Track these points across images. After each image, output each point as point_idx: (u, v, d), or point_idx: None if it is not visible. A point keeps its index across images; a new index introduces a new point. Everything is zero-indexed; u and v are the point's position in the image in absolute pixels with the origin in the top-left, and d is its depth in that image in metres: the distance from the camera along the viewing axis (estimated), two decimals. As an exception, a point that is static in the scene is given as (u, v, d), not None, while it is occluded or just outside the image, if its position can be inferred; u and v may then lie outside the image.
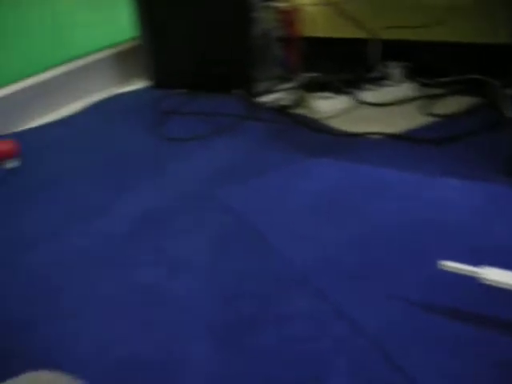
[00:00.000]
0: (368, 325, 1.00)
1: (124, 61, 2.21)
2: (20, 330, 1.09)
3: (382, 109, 1.77)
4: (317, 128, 1.65)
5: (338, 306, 1.04)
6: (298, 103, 1.80)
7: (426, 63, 1.87)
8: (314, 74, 1.95)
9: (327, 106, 1.76)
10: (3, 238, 1.38)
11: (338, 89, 1.80)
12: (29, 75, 2.01)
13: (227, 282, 1.13)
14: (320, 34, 1.95)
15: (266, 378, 0.94)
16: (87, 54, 2.16)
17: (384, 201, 1.31)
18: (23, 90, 1.98)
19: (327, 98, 1.79)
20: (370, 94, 1.80)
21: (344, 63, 1.90)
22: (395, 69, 1.83)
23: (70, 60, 2.11)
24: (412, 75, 1.85)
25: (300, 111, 1.77)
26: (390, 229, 1.22)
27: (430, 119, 1.68)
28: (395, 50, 1.87)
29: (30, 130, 1.94)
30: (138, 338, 1.04)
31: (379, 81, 1.83)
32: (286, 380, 0.92)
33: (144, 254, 1.25)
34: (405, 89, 1.81)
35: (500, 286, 0.97)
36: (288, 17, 1.91)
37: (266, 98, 1.87)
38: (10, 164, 1.70)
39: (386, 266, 1.13)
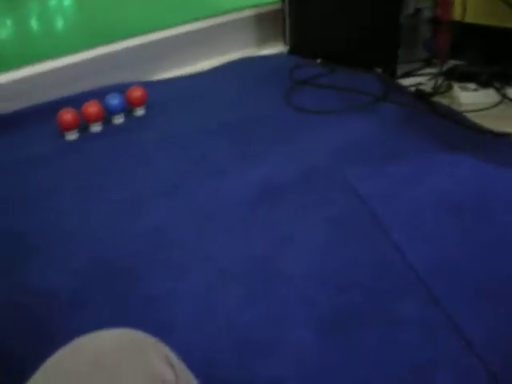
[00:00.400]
0: (479, 342, 0.91)
1: (263, 23, 2.15)
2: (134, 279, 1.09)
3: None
4: (457, 120, 1.53)
5: (452, 317, 0.96)
6: (440, 91, 1.69)
7: None
8: (461, 62, 1.82)
9: (470, 98, 1.64)
10: (122, 186, 1.38)
11: (484, 81, 1.67)
12: (168, 26, 2.00)
13: (339, 269, 1.08)
14: (471, 19, 1.81)
15: (365, 380, 0.88)
16: (228, 11, 2.12)
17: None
18: (159, 41, 1.98)
19: (472, 89, 1.66)
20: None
21: (493, 54, 1.76)
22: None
23: (210, 16, 2.08)
24: None
25: (441, 100, 1.66)
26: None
27: None
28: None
29: (161, 81, 1.93)
30: (239, 309, 1.00)
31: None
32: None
33: (257, 225, 1.20)
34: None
35: None
36: (443, -2, 1.79)
37: (407, 81, 1.77)
38: (139, 112, 1.70)
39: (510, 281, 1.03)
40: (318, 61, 1.94)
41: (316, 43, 1.96)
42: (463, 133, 1.48)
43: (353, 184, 1.29)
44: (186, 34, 2.02)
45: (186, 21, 2.04)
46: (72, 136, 1.59)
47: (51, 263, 1.15)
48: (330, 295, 1.01)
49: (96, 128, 1.63)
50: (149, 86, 1.76)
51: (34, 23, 2.28)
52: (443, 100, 1.66)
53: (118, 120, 1.67)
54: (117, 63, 1.88)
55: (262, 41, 2.15)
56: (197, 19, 2.06)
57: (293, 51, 2.03)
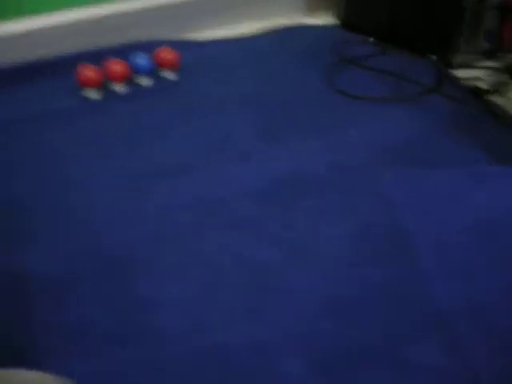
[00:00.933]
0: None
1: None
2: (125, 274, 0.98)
3: None
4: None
5: (472, 369, 0.83)
6: (498, 89, 1.52)
7: None
8: (528, 59, 1.65)
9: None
10: (137, 159, 1.27)
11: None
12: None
13: (353, 296, 0.95)
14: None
15: None
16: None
17: None
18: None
19: (535, 91, 1.50)
20: None
21: None
22: None
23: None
24: None
25: (499, 100, 1.49)
26: None
27: None
28: None
29: (195, 42, 1.79)
30: (228, 327, 0.89)
31: None
32: None
33: (269, 225, 1.08)
34: None
35: None
36: (517, -16, 1.60)
37: (463, 73, 1.60)
38: (170, 75, 1.58)
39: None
40: (371, 39, 1.78)
41: (370, 20, 1.80)
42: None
43: (387, 190, 1.15)
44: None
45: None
46: (93, 94, 1.48)
47: (46, 245, 1.05)
48: (336, 325, 0.89)
49: (119, 88, 1.51)
50: (181, 46, 1.63)
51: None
52: (502, 100, 1.49)
53: (144, 82, 1.54)
54: (151, 19, 1.74)
55: (312, 8, 1.98)
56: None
57: (344, 25, 1.87)
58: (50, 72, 1.53)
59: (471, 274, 0.98)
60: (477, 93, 1.51)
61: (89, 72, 1.46)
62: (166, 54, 1.56)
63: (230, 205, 1.13)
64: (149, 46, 1.58)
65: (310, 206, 1.12)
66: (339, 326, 0.89)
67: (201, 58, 1.67)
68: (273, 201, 1.14)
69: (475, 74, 1.59)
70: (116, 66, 1.49)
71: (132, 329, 0.89)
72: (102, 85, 1.49)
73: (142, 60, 1.52)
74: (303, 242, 1.04)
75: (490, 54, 1.66)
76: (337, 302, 0.93)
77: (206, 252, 1.02)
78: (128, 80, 1.52)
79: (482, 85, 1.54)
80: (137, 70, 1.53)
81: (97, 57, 1.52)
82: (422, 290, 0.95)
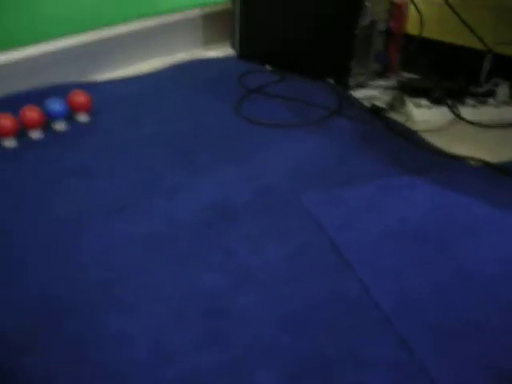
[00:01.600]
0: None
1: (210, 24, 2.08)
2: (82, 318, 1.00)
3: (482, 130, 1.61)
4: (413, 140, 1.51)
5: (422, 361, 0.93)
6: (393, 106, 1.66)
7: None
8: (413, 76, 1.80)
9: (424, 116, 1.62)
10: (64, 204, 1.29)
11: (437, 98, 1.65)
12: (109, 24, 1.90)
13: (302, 308, 1.02)
14: (427, 34, 1.79)
15: None
16: (173, 10, 2.03)
17: (478, 244, 1.18)
18: (101, 40, 1.87)
19: (424, 106, 1.64)
20: (470, 111, 1.64)
21: (447, 71, 1.74)
22: (504, 88, 1.67)
23: (154, 14, 1.98)
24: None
25: (395, 116, 1.63)
26: (481, 279, 1.09)
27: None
28: (506, 67, 1.71)
29: (102, 83, 1.83)
30: (197, 354, 0.94)
31: (484, 97, 1.68)
32: None
33: (212, 254, 1.14)
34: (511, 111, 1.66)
35: None
36: (398, 10, 1.75)
37: (359, 93, 1.73)
38: (82, 118, 1.61)
39: (479, 324, 1.00)
40: (268, 67, 1.88)
41: (267, 48, 1.90)
42: (419, 154, 1.46)
43: (310, 210, 1.25)
44: (130, 32, 1.93)
45: (129, 18, 1.94)
46: (9, 143, 1.49)
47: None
48: (293, 338, 0.96)
49: (35, 135, 1.52)
50: (91, 88, 1.67)
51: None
52: (398, 116, 1.63)
53: (59, 126, 1.56)
54: (56, 62, 1.77)
55: (209, 42, 2.07)
56: (140, 17, 1.96)
57: (241, 55, 1.97)
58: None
59: (401, 275, 1.08)
60: (375, 111, 1.64)
61: (5, 122, 1.47)
62: (79, 98, 1.59)
63: (168, 239, 1.17)
64: (61, 89, 1.60)
65: (243, 231, 1.19)
66: (297, 338, 0.96)
67: (110, 99, 1.71)
68: (207, 230, 1.19)
69: (371, 93, 1.73)
70: (32, 113, 1.51)
71: (103, 366, 0.91)
72: (18, 132, 1.50)
73: (56, 105, 1.54)
74: (245, 265, 1.11)
75: (381, 74, 1.81)
76: (288, 317, 1.00)
77: (157, 285, 1.06)
78: (43, 126, 1.54)
79: (379, 103, 1.67)
80: (52, 116, 1.55)
81: (10, 104, 1.53)
82: (361, 293, 1.04)
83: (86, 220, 1.23)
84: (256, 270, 1.10)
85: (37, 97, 1.59)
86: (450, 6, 1.68)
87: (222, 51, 2.02)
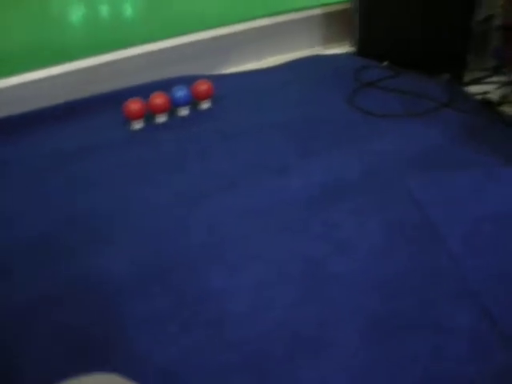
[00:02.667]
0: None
1: (330, 23, 2.15)
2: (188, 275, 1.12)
3: None
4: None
5: (503, 331, 0.95)
6: (508, 100, 1.66)
7: None
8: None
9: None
10: (183, 179, 1.41)
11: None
12: (236, 21, 2.02)
13: (393, 275, 1.08)
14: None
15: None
16: (296, 9, 2.13)
17: None
18: (227, 36, 2.00)
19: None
20: None
21: None
22: None
23: (278, 13, 2.09)
24: None
25: (508, 109, 1.63)
26: None
27: None
28: None
29: (227, 75, 1.96)
30: (289, 309, 1.02)
31: None
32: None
33: (314, 226, 1.22)
34: None
35: None
36: (517, 5, 1.75)
37: (474, 89, 1.75)
38: (205, 105, 1.73)
39: None
40: (385, 63, 1.93)
41: (383, 46, 1.96)
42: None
43: (413, 191, 1.29)
44: (254, 29, 2.04)
45: (254, 17, 2.06)
46: (138, 125, 1.63)
47: (112, 250, 1.19)
48: (381, 300, 1.02)
49: (161, 119, 1.66)
50: (215, 79, 1.79)
51: (103, 12, 2.33)
52: (510, 110, 1.64)
53: (183, 112, 1.70)
54: (184, 56, 1.91)
55: (329, 40, 2.15)
56: (265, 16, 2.07)
57: (359, 52, 2.03)
58: (99, 108, 1.70)
59: (495, 251, 1.10)
60: (487, 105, 1.65)
61: (134, 106, 1.62)
62: (202, 87, 1.72)
63: (274, 210, 1.26)
64: (187, 80, 1.73)
65: (347, 207, 1.26)
66: (385, 303, 1.01)
67: (232, 89, 1.83)
68: (313, 205, 1.27)
69: (485, 89, 1.74)
70: (158, 100, 1.65)
71: (205, 313, 1.01)
72: (146, 116, 1.64)
73: (180, 93, 1.67)
74: (346, 236, 1.18)
75: (496, 70, 1.81)
76: (380, 283, 1.06)
77: (258, 250, 1.15)
78: (169, 111, 1.67)
79: (493, 97, 1.68)
80: (176, 102, 1.68)
81: (141, 92, 1.69)
82: (452, 268, 1.07)
83: (200, 195, 1.35)
84: (355, 241, 1.16)
85: (165, 85, 1.73)
86: None
87: (341, 49, 2.09)
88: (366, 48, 2.01)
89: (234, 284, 1.07)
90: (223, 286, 1.07)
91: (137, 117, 1.63)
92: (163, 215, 1.29)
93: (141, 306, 1.04)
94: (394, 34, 1.91)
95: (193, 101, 1.71)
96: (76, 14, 2.23)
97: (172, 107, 1.69)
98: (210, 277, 1.10)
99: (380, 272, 1.09)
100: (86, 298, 1.07)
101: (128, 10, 2.35)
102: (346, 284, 1.06)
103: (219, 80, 1.84)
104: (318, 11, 2.14)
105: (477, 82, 1.79)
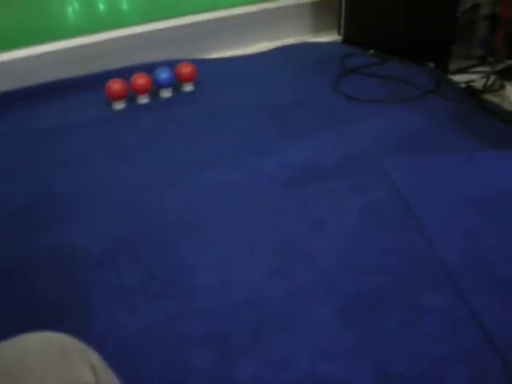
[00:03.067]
0: (500, 339, 0.90)
1: (318, 11, 2.14)
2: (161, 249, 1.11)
3: None
4: (505, 119, 1.50)
5: (476, 311, 0.94)
6: (491, 89, 1.65)
7: None
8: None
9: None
10: (163, 158, 1.40)
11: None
12: (225, 7, 2.01)
13: (368, 255, 1.07)
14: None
15: (380, 363, 0.87)
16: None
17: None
18: (215, 20, 1.99)
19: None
20: None
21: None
22: None
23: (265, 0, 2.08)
24: None
25: (491, 98, 1.63)
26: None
27: None
28: None
29: (212, 60, 1.94)
30: (262, 284, 1.01)
31: None
32: (407, 376, 0.85)
33: (291, 205, 1.21)
34: None
35: None
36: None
37: (458, 78, 1.74)
38: (186, 88, 1.72)
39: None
40: (371, 51, 1.92)
41: (370, 34, 1.95)
42: (509, 132, 1.45)
43: (391, 174, 1.28)
44: (242, 15, 2.03)
45: (243, 2, 2.05)
46: (119, 106, 1.62)
47: (86, 225, 1.18)
48: (354, 279, 1.01)
49: (143, 100, 1.65)
50: (199, 63, 1.78)
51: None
52: (493, 98, 1.63)
53: (166, 94, 1.68)
54: (170, 39, 1.90)
55: (318, 29, 2.14)
56: (254, 2, 2.06)
57: (346, 40, 2.02)
58: (83, 88, 1.69)
59: (473, 235, 1.09)
60: (471, 92, 1.64)
61: (116, 86, 1.60)
62: (185, 70, 1.70)
63: (251, 188, 1.25)
64: (171, 63, 1.72)
65: (324, 187, 1.25)
66: (360, 281, 1.00)
67: (217, 74, 1.82)
68: (292, 186, 1.26)
69: (470, 78, 1.73)
70: (140, 80, 1.63)
71: (174, 286, 1.00)
72: (128, 97, 1.63)
73: (163, 74, 1.66)
74: (322, 216, 1.17)
75: (482, 60, 1.80)
76: (353, 262, 1.05)
77: (233, 226, 1.15)
78: (151, 93, 1.66)
79: (477, 85, 1.67)
80: (159, 84, 1.67)
81: (125, 73, 1.67)
82: (428, 250, 1.06)
83: (179, 173, 1.34)
84: (330, 221, 1.15)
85: (149, 68, 1.71)
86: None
87: (328, 38, 2.08)
88: (353, 36, 2.00)
89: (206, 259, 1.06)
90: (195, 261, 1.06)
91: (118, 97, 1.61)
92: (142, 192, 1.29)
93: (110, 278, 1.03)
94: (381, 22, 1.90)
95: (176, 83, 1.70)
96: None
97: (155, 89, 1.67)
98: (183, 252, 1.09)
99: (354, 252, 1.08)
100: (56, 270, 1.06)
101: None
102: (319, 262, 1.05)
103: (204, 64, 1.83)
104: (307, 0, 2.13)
105: (462, 71, 1.78)
